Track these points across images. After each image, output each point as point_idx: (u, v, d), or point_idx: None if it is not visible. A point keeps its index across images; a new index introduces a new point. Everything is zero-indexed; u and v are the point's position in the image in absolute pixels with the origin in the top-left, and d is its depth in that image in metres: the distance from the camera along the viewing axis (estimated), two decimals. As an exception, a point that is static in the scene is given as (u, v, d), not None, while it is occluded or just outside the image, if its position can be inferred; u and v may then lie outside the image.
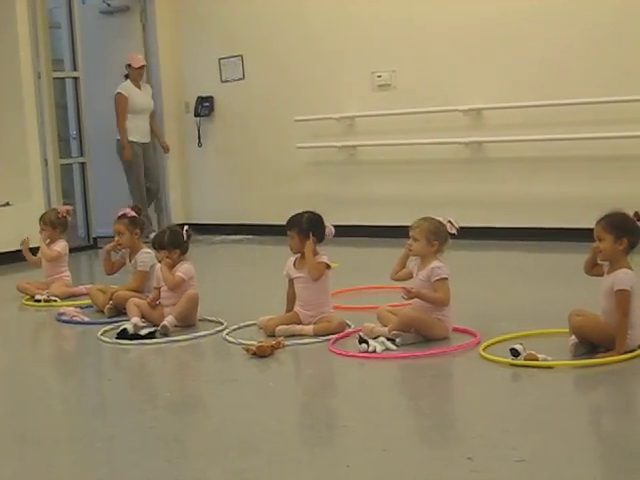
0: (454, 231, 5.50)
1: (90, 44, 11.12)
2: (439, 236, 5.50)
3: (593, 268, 5.05)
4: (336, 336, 5.52)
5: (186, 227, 6.37)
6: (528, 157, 9.02)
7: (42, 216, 7.75)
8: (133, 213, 6.86)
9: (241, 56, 10.92)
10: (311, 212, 5.96)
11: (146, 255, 6.77)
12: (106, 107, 10.96)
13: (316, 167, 10.45)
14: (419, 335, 5.38)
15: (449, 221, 5.51)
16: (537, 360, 4.71)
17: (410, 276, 5.58)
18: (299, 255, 5.90)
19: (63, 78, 10.93)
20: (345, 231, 9.52)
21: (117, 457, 3.88)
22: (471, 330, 5.43)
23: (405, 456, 3.68)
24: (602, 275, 4.99)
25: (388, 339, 5.26)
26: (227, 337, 5.74)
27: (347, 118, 10.12)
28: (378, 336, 5.29)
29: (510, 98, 8.94)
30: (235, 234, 10.83)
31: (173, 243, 6.22)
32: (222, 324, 6.05)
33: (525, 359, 4.73)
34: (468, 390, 4.53)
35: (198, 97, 11.25)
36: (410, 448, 3.82)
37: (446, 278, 5.45)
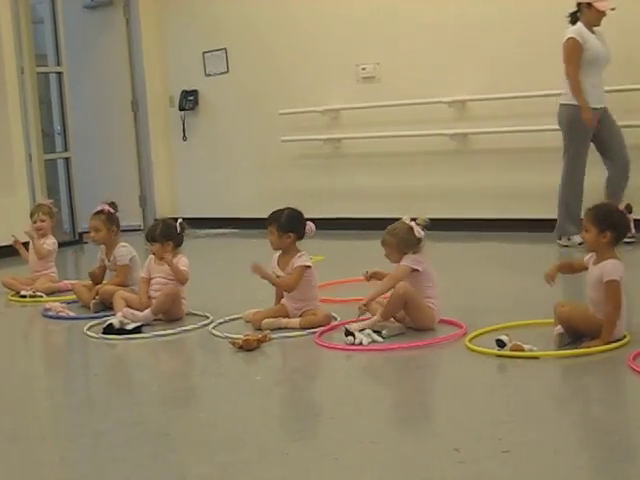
0: (421, 235, 5.48)
1: (74, 39, 11.11)
2: (409, 244, 5.48)
3: (571, 271, 5.12)
4: (322, 329, 5.52)
5: (180, 219, 6.35)
6: (514, 148, 9.03)
7: (37, 209, 7.68)
8: (110, 209, 6.85)
9: (225, 49, 10.90)
10: (291, 209, 5.94)
11: (123, 249, 6.78)
12: (90, 101, 10.94)
13: (301, 160, 10.45)
14: (404, 325, 5.38)
15: (415, 222, 5.48)
16: (523, 351, 4.72)
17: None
18: (281, 252, 5.90)
19: (47, 73, 10.90)
20: (330, 224, 9.56)
21: (103, 452, 3.87)
22: (457, 322, 5.44)
23: (392, 448, 3.68)
24: (577, 273, 5.04)
25: (374, 331, 5.26)
26: (213, 331, 5.74)
27: (332, 111, 10.12)
28: (364, 328, 5.29)
29: (494, 89, 8.95)
30: (220, 228, 10.82)
31: (165, 235, 6.21)
32: (208, 318, 6.05)
33: (511, 350, 4.74)
34: (454, 381, 4.54)
35: (182, 91, 11.24)
36: (397, 440, 3.82)
37: (415, 269, 5.44)
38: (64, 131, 10.82)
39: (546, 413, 4.04)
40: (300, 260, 5.79)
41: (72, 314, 6.58)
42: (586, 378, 4.51)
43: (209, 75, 11.11)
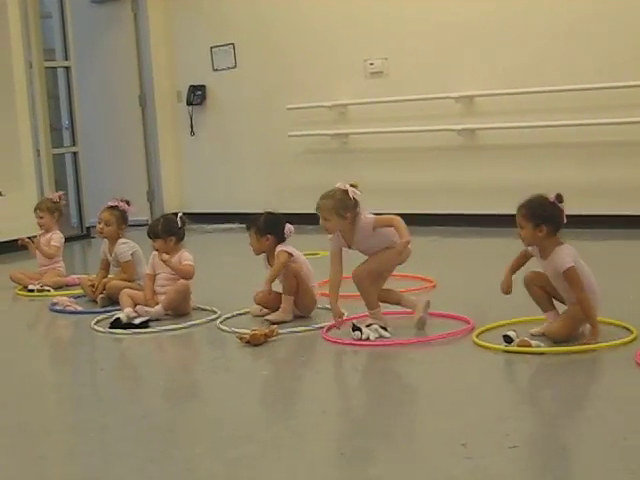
0: (357, 196, 5.39)
1: (82, 33, 11.12)
2: (347, 207, 5.37)
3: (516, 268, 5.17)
4: (329, 324, 5.52)
5: (180, 213, 6.35)
6: (521, 144, 9.02)
7: (37, 205, 7.74)
8: (125, 206, 6.85)
9: (233, 44, 10.90)
10: (269, 212, 6.02)
11: (123, 246, 6.78)
12: (98, 96, 10.94)
13: (308, 155, 10.45)
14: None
15: (347, 186, 5.43)
16: (530, 346, 4.71)
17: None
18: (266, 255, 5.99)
19: (55, 68, 10.91)
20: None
21: (110, 447, 3.88)
22: (464, 317, 5.44)
23: (399, 443, 3.68)
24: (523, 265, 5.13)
25: (381, 327, 5.26)
26: (220, 326, 5.74)
27: (339, 106, 10.11)
28: (371, 324, 5.29)
29: (502, 85, 8.94)
30: (228, 223, 10.82)
31: (167, 231, 6.21)
32: (215, 313, 6.05)
33: (518, 345, 4.73)
34: (462, 377, 4.53)
35: (190, 86, 11.24)
36: (404, 435, 3.82)
37: (374, 218, 5.41)
38: (72, 126, 10.83)
39: (553, 409, 4.03)
40: (281, 247, 5.86)
41: (79, 308, 6.59)
42: (593, 374, 4.51)
43: (217, 70, 11.11)
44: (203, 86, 11.22)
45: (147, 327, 5.84)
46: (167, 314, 6.09)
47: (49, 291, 7.23)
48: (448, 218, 9.47)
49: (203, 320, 5.94)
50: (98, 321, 6.08)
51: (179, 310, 6.14)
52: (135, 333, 5.76)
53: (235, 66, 10.96)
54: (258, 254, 6.00)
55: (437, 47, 9.36)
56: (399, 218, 5.37)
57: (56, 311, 6.59)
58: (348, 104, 10.06)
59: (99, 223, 6.92)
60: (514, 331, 4.83)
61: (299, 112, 10.29)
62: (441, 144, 9.47)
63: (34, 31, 10.12)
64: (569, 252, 4.85)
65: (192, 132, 11.40)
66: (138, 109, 11.58)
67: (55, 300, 6.74)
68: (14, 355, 5.66)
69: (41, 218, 7.59)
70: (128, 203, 6.93)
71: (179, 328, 5.83)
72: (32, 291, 7.27)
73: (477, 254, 8.12)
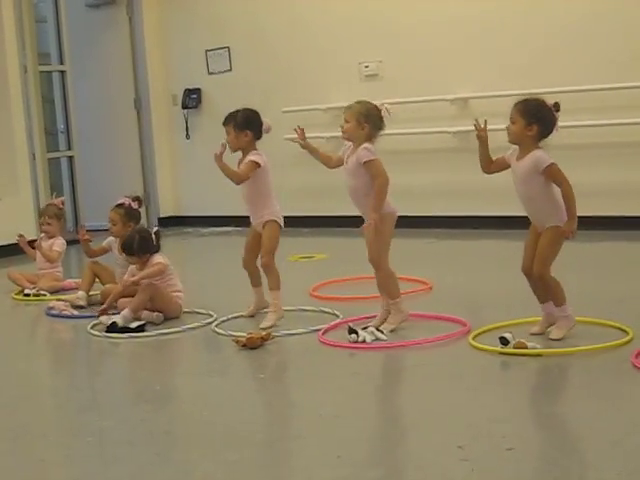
0: (388, 115, 5.45)
1: (77, 37, 11.11)
2: (370, 119, 5.43)
3: (491, 165, 5.13)
4: (326, 327, 5.52)
5: (155, 227, 6.34)
6: (515, 147, 9.01)
7: (44, 211, 7.71)
8: (132, 204, 6.84)
9: (228, 48, 10.90)
10: (247, 108, 6.04)
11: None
12: (93, 100, 10.94)
13: (304, 158, 10.37)
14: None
15: (384, 105, 5.49)
16: (526, 348, 4.72)
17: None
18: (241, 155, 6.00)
19: (50, 72, 10.91)
20: (333, 222, 9.56)
21: (108, 451, 3.88)
22: (461, 319, 5.45)
23: (396, 445, 3.69)
24: (502, 170, 5.15)
25: (377, 329, 5.26)
26: (216, 329, 5.75)
27: (335, 109, 10.09)
28: (367, 326, 5.30)
29: (497, 87, 8.95)
30: (224, 226, 10.82)
31: (143, 249, 6.23)
32: (211, 316, 6.06)
33: (514, 347, 4.74)
34: (458, 379, 4.54)
35: (185, 89, 11.24)
36: (400, 437, 3.83)
37: (375, 159, 5.44)
38: (67, 130, 10.84)
39: (550, 411, 4.04)
40: (252, 156, 5.85)
41: (75, 313, 6.59)
42: (589, 375, 4.51)
43: (212, 73, 11.11)
44: (198, 89, 11.23)
45: (143, 331, 5.84)
46: (166, 318, 6.09)
47: (45, 295, 7.23)
48: (443, 220, 9.48)
49: (199, 324, 5.94)
50: (94, 325, 6.08)
51: (166, 312, 6.12)
52: (131, 337, 5.77)
53: (230, 69, 10.96)
54: (235, 151, 5.98)
55: (432, 50, 9.37)
56: (384, 184, 5.41)
57: (52, 315, 6.59)
58: (343, 107, 10.02)
59: (109, 224, 6.92)
60: (510, 333, 4.85)
61: (294, 115, 10.27)
62: (436, 146, 9.49)
63: (29, 35, 10.11)
64: (546, 154, 4.91)
65: (187, 135, 11.40)
66: (133, 113, 11.57)
67: (51, 304, 6.75)
68: (11, 360, 5.66)
69: (49, 225, 7.58)
70: (139, 200, 6.92)
71: (175, 332, 5.83)
72: (28, 295, 7.27)
73: (473, 256, 8.14)
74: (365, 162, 5.37)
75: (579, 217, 4.93)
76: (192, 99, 11.22)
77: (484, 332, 5.15)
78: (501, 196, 9.11)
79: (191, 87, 11.23)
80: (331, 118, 10.13)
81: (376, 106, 5.44)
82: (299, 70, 10.32)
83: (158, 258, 6.23)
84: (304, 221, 9.59)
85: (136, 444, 3.91)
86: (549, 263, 4.95)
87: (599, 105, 8.42)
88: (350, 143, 5.49)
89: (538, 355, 4.70)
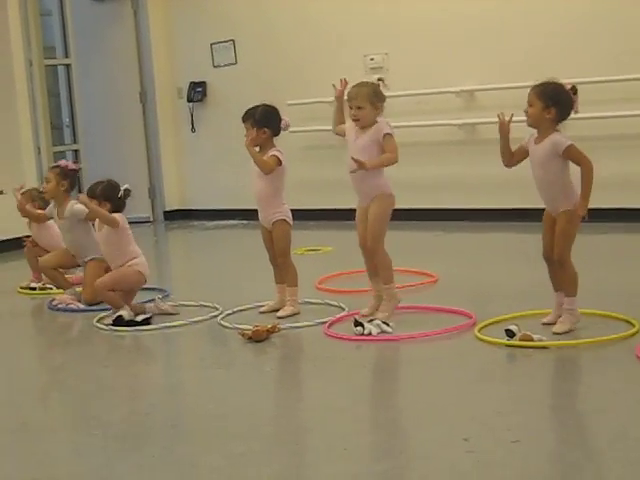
0: (386, 88, 5.52)
1: (82, 31, 11.10)
2: (380, 97, 5.51)
3: (512, 157, 5.13)
4: (332, 319, 5.52)
5: (126, 185, 6.26)
6: (522, 138, 8.99)
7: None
8: (69, 165, 6.83)
9: (233, 41, 10.89)
10: (266, 104, 6.00)
11: (76, 206, 6.64)
12: (98, 93, 10.93)
13: (310, 151, 10.44)
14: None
15: (380, 79, 5.54)
16: (532, 340, 4.72)
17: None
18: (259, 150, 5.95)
19: (55, 65, 10.91)
20: (339, 215, 9.55)
21: (114, 444, 3.88)
22: (466, 312, 5.44)
23: (401, 438, 3.69)
24: (522, 160, 5.14)
25: (383, 322, 5.26)
26: (222, 322, 5.75)
27: (340, 102, 10.09)
28: (373, 319, 5.30)
29: (503, 79, 8.93)
30: (229, 219, 10.82)
31: (105, 195, 6.13)
32: (217, 309, 6.06)
33: (520, 340, 4.74)
34: (464, 371, 4.54)
35: (190, 82, 11.23)
36: (406, 430, 3.83)
37: (392, 133, 5.46)
38: (73, 123, 10.85)
39: (555, 403, 4.04)
40: (275, 152, 5.90)
41: (81, 306, 6.60)
42: (595, 368, 4.51)
43: (217, 66, 11.11)
44: (204, 82, 11.22)
45: (149, 324, 5.85)
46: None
47: (51, 289, 7.23)
48: (450, 213, 9.47)
49: (205, 317, 5.94)
50: (100, 318, 6.08)
51: (127, 286, 6.10)
52: (137, 330, 5.77)
53: (235, 62, 10.95)
54: (253, 147, 5.95)
55: (437, 42, 9.35)
56: (394, 159, 5.44)
57: (57, 309, 6.59)
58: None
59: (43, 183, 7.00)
60: (516, 325, 4.84)
61: (300, 108, 10.27)
62: (442, 139, 9.47)
63: (34, 29, 10.12)
64: (564, 136, 4.94)
65: (193, 129, 11.39)
66: (139, 106, 11.57)
67: (57, 298, 6.75)
68: (17, 353, 5.67)
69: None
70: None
71: (181, 325, 5.84)
72: (34, 289, 7.27)
73: (478, 249, 8.13)
74: (386, 134, 5.43)
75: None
76: (197, 92, 11.21)
77: (490, 324, 5.15)
78: (508, 188, 9.14)
79: (196, 80, 11.22)
80: (336, 111, 10.11)
81: (376, 83, 5.52)
82: (304, 63, 10.31)
83: (116, 215, 6.12)
84: (310, 214, 9.59)
85: (142, 437, 3.92)
86: (569, 246, 4.96)
87: (604, 98, 8.40)
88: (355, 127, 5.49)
89: (544, 347, 4.70)
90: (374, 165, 5.40)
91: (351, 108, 5.50)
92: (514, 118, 9.03)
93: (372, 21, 9.74)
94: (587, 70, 8.41)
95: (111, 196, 6.14)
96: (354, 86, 5.54)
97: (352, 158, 5.36)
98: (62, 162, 6.88)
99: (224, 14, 10.88)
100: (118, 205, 6.18)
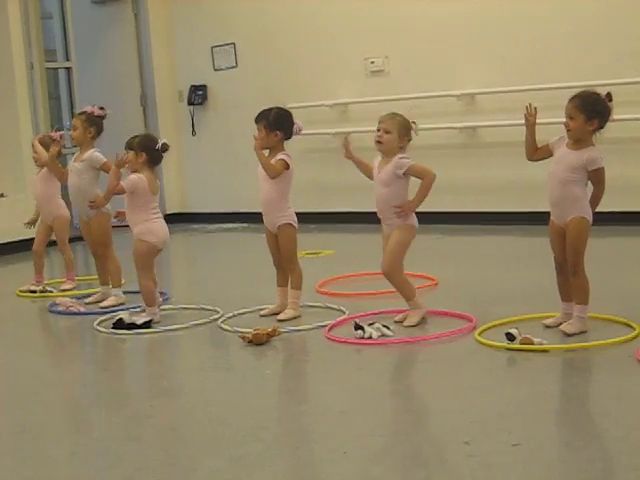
0: (415, 134, 5.57)
1: (82, 34, 11.12)
2: (408, 133, 5.55)
3: (536, 152, 5.12)
4: (332, 323, 5.52)
5: (164, 140, 6.25)
6: (523, 141, 8.99)
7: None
8: (96, 111, 6.77)
9: (234, 44, 10.90)
10: (280, 107, 5.96)
11: (97, 154, 6.70)
12: (99, 96, 10.90)
13: (311, 154, 10.44)
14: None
15: (413, 122, 5.55)
16: (532, 344, 4.72)
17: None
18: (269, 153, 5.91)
19: (56, 68, 10.92)
20: (340, 218, 9.57)
21: (114, 447, 3.88)
22: (467, 315, 5.44)
23: (402, 441, 3.69)
24: (545, 158, 5.12)
25: (384, 325, 5.26)
26: (223, 325, 5.75)
27: (341, 105, 10.11)
28: (374, 322, 5.30)
29: (504, 82, 8.94)
30: (230, 222, 10.83)
31: (142, 146, 6.09)
32: (218, 312, 6.05)
33: (521, 343, 4.74)
34: (464, 375, 4.53)
35: (191, 86, 11.25)
36: (407, 433, 3.82)
37: (413, 163, 5.55)
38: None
39: (556, 406, 4.04)
40: (283, 156, 5.84)
41: (82, 309, 6.59)
42: (595, 371, 4.51)
43: (218, 70, 11.12)
44: (204, 86, 11.23)
45: (149, 327, 5.85)
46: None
47: (51, 292, 7.23)
48: (451, 216, 9.47)
49: (206, 320, 5.94)
50: (101, 321, 6.08)
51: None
52: (138, 333, 5.77)
53: (236, 66, 10.97)
54: (263, 149, 5.92)
55: (438, 45, 9.36)
56: (432, 177, 5.58)
57: (58, 312, 6.59)
58: (349, 103, 10.06)
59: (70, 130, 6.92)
60: (516, 329, 4.84)
61: (300, 111, 10.22)
62: (443, 142, 9.47)
63: (35, 32, 10.13)
64: (600, 155, 4.93)
65: (193, 132, 11.40)
66: (139, 109, 11.58)
67: (57, 301, 6.75)
68: (17, 356, 5.66)
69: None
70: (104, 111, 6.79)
71: (182, 328, 5.83)
72: (34, 292, 7.27)
73: (478, 252, 8.12)
74: (410, 167, 5.53)
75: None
76: (198, 95, 11.23)
77: (490, 328, 5.15)
78: (508, 192, 9.15)
79: (197, 83, 11.23)
80: (337, 114, 10.14)
81: (408, 121, 5.52)
82: (305, 66, 10.32)
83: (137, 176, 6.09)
84: (311, 217, 9.59)
85: (142, 440, 3.92)
86: (582, 252, 4.94)
87: (619, 99, 8.39)
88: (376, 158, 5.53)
89: (544, 351, 4.69)
90: (418, 204, 5.57)
91: (378, 130, 5.47)
92: (515, 121, 9.10)
93: (372, 24, 9.75)
94: (588, 73, 8.42)
95: (148, 147, 6.10)
96: (388, 113, 5.58)
97: (394, 207, 5.46)
98: (88, 108, 6.78)
99: (225, 17, 10.89)
100: (155, 157, 6.16)
